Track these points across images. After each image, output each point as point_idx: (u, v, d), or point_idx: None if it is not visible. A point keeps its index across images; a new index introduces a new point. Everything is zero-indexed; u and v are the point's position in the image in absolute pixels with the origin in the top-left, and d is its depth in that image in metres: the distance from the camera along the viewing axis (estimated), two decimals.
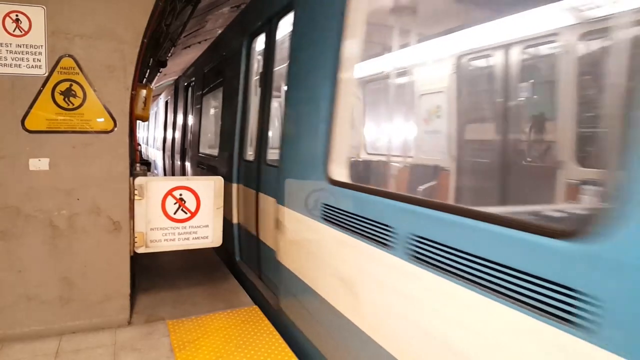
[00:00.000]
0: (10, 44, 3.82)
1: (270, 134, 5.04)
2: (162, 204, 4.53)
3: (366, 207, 2.95)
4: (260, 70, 5.46)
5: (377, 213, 2.82)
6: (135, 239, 4.46)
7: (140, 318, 4.59)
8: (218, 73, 7.53)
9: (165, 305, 4.92)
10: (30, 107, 3.93)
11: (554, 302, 1.65)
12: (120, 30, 4.13)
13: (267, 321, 4.55)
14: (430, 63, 5.67)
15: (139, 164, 4.67)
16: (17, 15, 3.81)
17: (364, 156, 5.89)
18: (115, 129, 4.19)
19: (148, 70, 10.66)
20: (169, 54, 11.29)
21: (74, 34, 3.99)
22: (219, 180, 4.75)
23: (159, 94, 20.08)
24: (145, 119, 4.86)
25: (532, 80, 4.68)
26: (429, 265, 2.31)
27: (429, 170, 5.49)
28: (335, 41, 3.41)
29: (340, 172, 3.39)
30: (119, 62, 4.16)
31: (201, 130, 8.78)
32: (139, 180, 4.42)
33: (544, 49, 4.70)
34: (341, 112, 3.41)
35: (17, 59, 3.84)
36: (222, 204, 4.76)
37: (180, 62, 14.79)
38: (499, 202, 4.51)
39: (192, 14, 8.31)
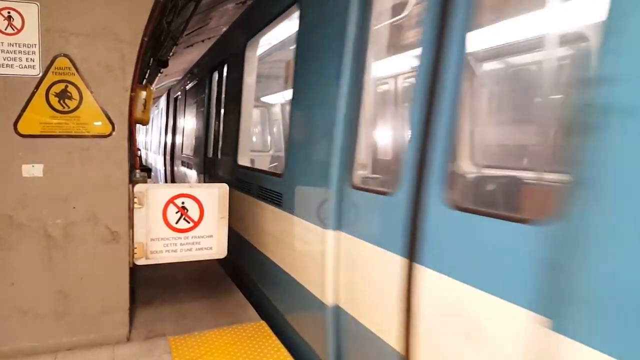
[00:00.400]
0: (2, 42, 3.76)
1: (220, 139, 7.71)
2: (163, 213, 4.48)
3: (247, 177, 5.93)
4: (216, 94, 8.22)
5: (249, 179, 5.80)
6: (135, 250, 4.40)
7: (140, 334, 4.53)
8: (194, 93, 10.69)
9: (166, 320, 4.86)
10: (23, 109, 3.88)
11: (277, 199, 4.63)
12: (119, 28, 4.08)
13: (274, 337, 4.47)
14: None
15: (139, 170, 4.62)
16: (9, 12, 3.75)
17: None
18: (114, 133, 4.14)
19: (148, 71, 10.65)
20: (171, 53, 11.29)
21: (69, 32, 3.93)
22: (223, 188, 4.69)
23: (160, 96, 20.12)
24: (145, 122, 4.81)
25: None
26: (261, 198, 5.24)
27: (266, 157, 10.38)
28: (240, 84, 6.31)
29: (242, 159, 6.36)
30: (118, 62, 4.10)
31: (184, 136, 12.01)
32: (138, 187, 4.36)
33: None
34: (243, 125, 6.28)
35: (9, 58, 3.78)
36: (227, 213, 4.70)
37: (182, 61, 14.78)
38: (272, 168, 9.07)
39: (195, 11, 8.29)
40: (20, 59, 3.82)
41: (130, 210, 4.32)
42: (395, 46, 3.73)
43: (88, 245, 4.16)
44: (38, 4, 3.82)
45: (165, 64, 10.96)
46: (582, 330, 1.67)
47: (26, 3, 3.79)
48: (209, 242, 4.66)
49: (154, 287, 5.77)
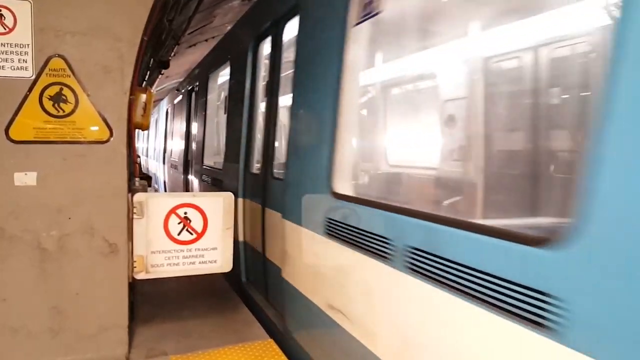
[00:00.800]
0: None
1: (195, 146, 10.76)
2: (164, 224, 4.46)
3: (207, 172, 8.89)
4: (193, 111, 11.32)
5: (208, 173, 8.82)
6: (134, 264, 4.37)
7: (140, 353, 4.48)
8: (180, 107, 13.68)
9: (168, 338, 4.80)
10: (15, 114, 3.86)
11: (220, 184, 7.80)
12: (117, 26, 4.06)
13: (284, 357, 4.40)
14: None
15: (139, 179, 4.57)
16: (0, 10, 3.74)
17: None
18: (112, 138, 4.12)
19: (148, 72, 10.66)
20: (172, 54, 11.30)
21: (64, 31, 3.91)
22: (228, 197, 4.65)
23: (161, 99, 20.18)
24: (145, 127, 4.77)
25: None
26: (213, 185, 8.28)
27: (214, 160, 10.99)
28: (206, 104, 9.53)
29: (206, 161, 9.22)
30: (116, 63, 4.08)
31: (173, 143, 15.09)
32: (138, 196, 4.33)
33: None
34: (208, 136, 9.47)
35: (0, 59, 3.77)
36: (232, 223, 4.67)
37: (184, 62, 14.81)
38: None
39: (198, 9, 8.28)
40: (12, 60, 3.80)
41: (130, 221, 4.29)
42: (264, 96, 6.14)
43: (84, 258, 4.12)
44: (31, 2, 3.79)
45: (166, 65, 10.97)
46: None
47: (19, 0, 3.76)
48: (213, 254, 4.63)
49: (155, 303, 5.71)
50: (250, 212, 6.18)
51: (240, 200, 6.33)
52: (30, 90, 3.88)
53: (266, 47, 6.05)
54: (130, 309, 4.44)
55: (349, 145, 3.79)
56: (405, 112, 5.81)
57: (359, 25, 3.60)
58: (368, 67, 4.22)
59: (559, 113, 3.97)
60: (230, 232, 4.67)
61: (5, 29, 3.75)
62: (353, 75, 3.69)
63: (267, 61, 6.05)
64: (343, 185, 3.66)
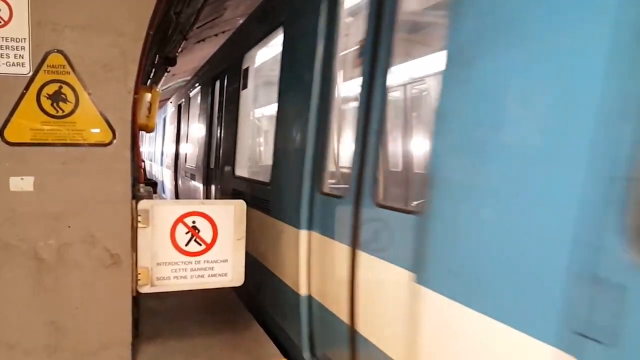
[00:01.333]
0: None
1: (183, 151, 14.52)
2: (171, 234, 4.40)
3: (187, 170, 13.18)
4: (182, 123, 14.76)
5: (187, 170, 13.06)
6: (139, 276, 4.32)
7: None
8: (172, 118, 17.55)
9: (174, 356, 4.78)
10: (11, 114, 3.84)
11: (193, 177, 13.45)
12: (120, 20, 4.03)
13: None
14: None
15: (143, 184, 4.54)
16: None
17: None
18: (114, 141, 4.09)
19: (153, 70, 10.69)
20: (179, 50, 11.30)
21: (63, 24, 3.89)
22: (240, 205, 4.59)
23: (167, 99, 20.25)
24: (150, 128, 4.75)
25: None
26: (192, 179, 12.26)
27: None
28: (187, 119, 13.98)
29: (188, 163, 13.15)
30: (119, 60, 4.06)
31: (168, 148, 18.65)
32: (143, 203, 4.28)
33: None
34: (190, 144, 13.43)
35: None
36: (244, 233, 4.60)
37: (192, 59, 14.84)
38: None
39: (207, 0, 8.26)
40: (8, 55, 3.78)
41: (134, 230, 4.25)
42: (217, 117, 9.64)
43: (84, 269, 4.11)
44: None
45: (173, 62, 10.97)
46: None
47: None
48: (224, 267, 4.58)
49: (161, 319, 5.69)
50: (210, 194, 9.95)
51: (204, 186, 10.30)
52: (27, 88, 3.86)
53: (218, 85, 9.45)
54: (133, 325, 4.41)
55: (241, 150, 7.62)
56: (263, 134, 11.07)
57: (244, 90, 7.48)
58: (252, 109, 8.13)
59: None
60: (242, 243, 4.61)
61: (0, 22, 3.74)
62: (245, 112, 7.68)
63: (219, 94, 9.45)
64: (240, 171, 7.51)
